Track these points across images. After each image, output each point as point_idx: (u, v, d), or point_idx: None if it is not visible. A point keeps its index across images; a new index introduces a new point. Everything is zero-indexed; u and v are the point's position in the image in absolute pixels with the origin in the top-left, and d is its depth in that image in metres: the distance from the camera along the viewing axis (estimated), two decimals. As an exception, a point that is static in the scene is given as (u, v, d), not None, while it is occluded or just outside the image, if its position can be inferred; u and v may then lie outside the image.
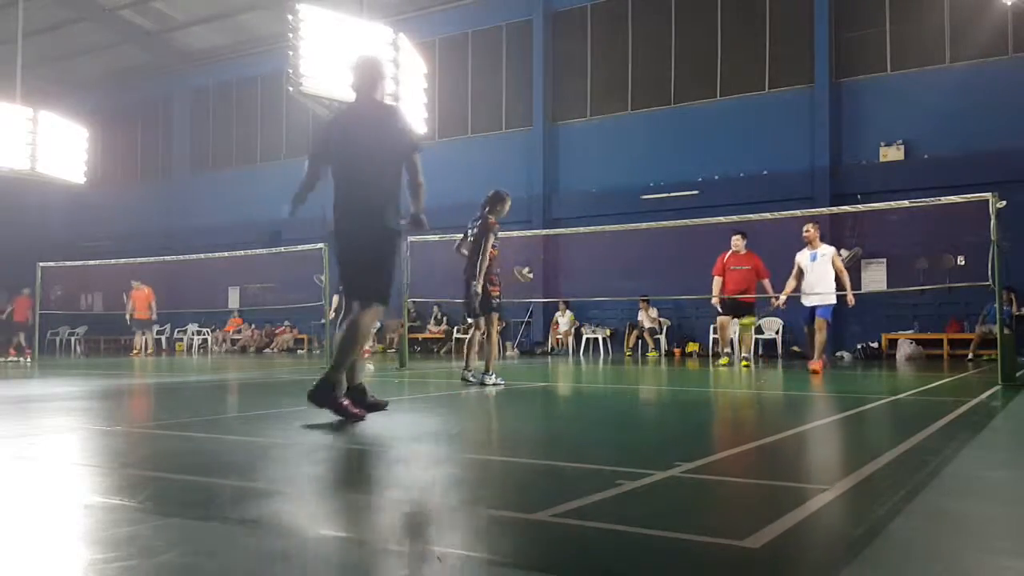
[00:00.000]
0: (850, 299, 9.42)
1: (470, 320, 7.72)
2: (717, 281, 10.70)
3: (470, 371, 7.34)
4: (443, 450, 3.54)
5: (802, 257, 9.54)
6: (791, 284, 9.58)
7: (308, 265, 13.90)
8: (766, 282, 10.55)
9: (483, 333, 7.49)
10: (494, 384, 7.01)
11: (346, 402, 4.34)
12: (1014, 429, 4.55)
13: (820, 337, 9.20)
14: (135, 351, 17.48)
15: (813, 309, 9.37)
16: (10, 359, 15.70)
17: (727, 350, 10.93)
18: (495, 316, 7.40)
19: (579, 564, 1.81)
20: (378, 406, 4.61)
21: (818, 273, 9.33)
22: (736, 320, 10.78)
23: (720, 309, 10.84)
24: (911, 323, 14.40)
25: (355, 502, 2.48)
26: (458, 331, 18.20)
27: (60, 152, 13.26)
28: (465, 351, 7.78)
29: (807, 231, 9.55)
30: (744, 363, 10.77)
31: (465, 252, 7.41)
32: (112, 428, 4.47)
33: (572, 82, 18.48)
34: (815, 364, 9.02)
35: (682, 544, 1.93)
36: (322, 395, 4.29)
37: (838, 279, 9.34)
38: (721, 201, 15.12)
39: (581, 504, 2.30)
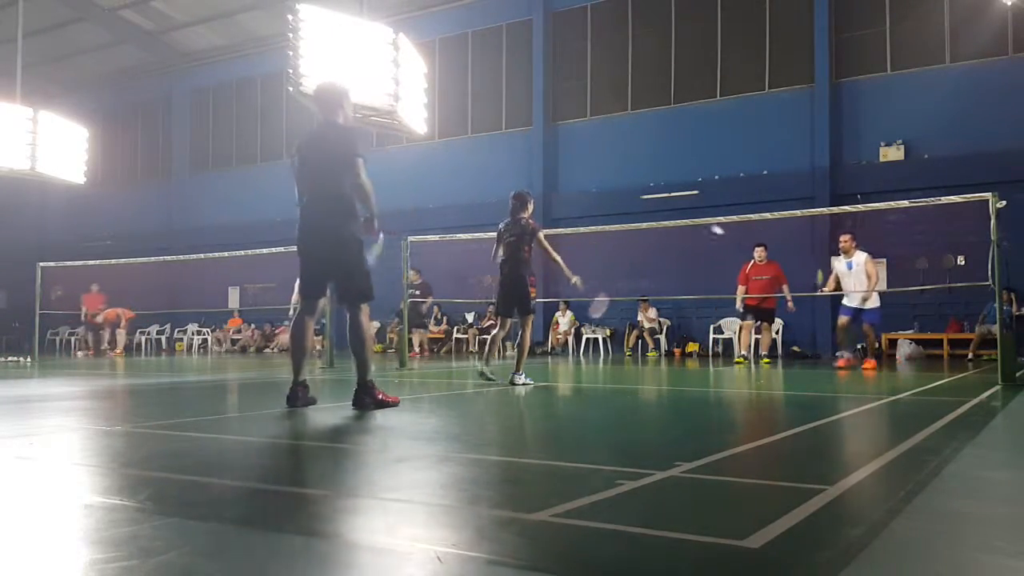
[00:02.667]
0: (867, 297, 10.24)
1: (487, 319, 7.83)
2: (741, 289, 11.69)
3: (489, 367, 7.34)
4: (443, 450, 3.54)
5: (838, 264, 10.42)
6: (831, 287, 10.55)
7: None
8: (785, 288, 11.49)
9: (507, 332, 7.56)
10: (523, 384, 6.98)
11: (380, 394, 4.97)
12: (1014, 429, 4.55)
13: (870, 339, 10.51)
14: (116, 351, 17.46)
15: (856, 311, 10.25)
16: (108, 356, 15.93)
17: (743, 352, 11.95)
18: (531, 318, 7.45)
19: (579, 564, 1.81)
20: (312, 401, 5.14)
21: (857, 279, 10.15)
22: (752, 325, 11.88)
23: (744, 315, 11.90)
24: (911, 323, 14.40)
25: (354, 501, 2.48)
26: (458, 331, 18.21)
27: (60, 152, 13.23)
28: (487, 348, 7.72)
29: (843, 241, 10.35)
30: (766, 361, 11.79)
31: (503, 256, 7.38)
32: (112, 428, 4.47)
33: (572, 82, 18.48)
34: (868, 363, 10.18)
35: (682, 544, 1.93)
36: (364, 399, 4.93)
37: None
38: (721, 201, 15.13)
39: (581, 504, 2.30)
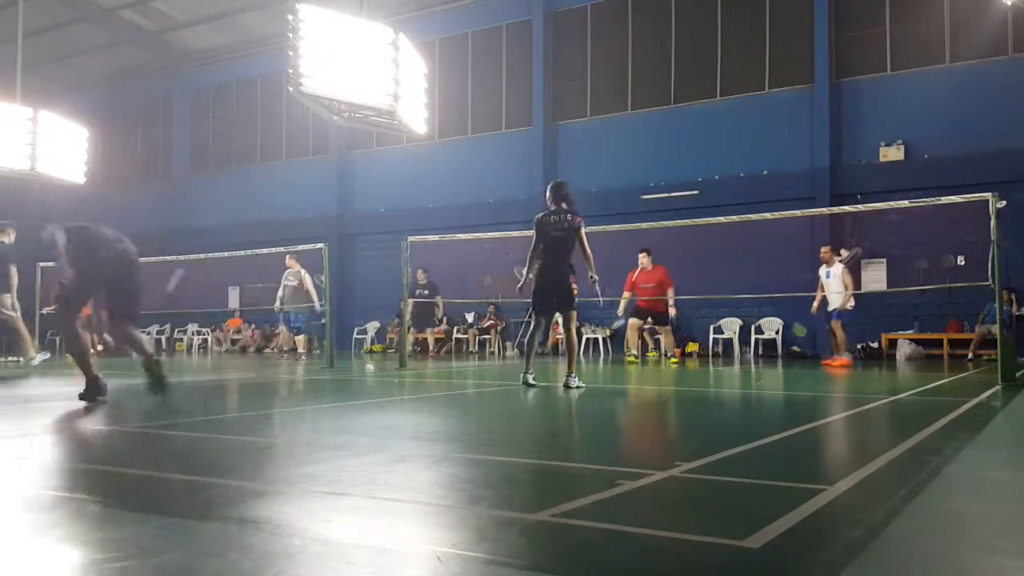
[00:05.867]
0: (845, 302, 11.22)
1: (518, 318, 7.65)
2: (626, 295, 12.26)
3: (531, 373, 6.96)
4: (443, 450, 3.54)
5: (821, 272, 11.51)
6: (819, 295, 11.51)
7: (308, 265, 13.87)
8: (670, 292, 12.11)
9: (537, 330, 7.23)
10: (577, 387, 6.67)
11: None
12: (1014, 429, 4.55)
13: (838, 335, 11.25)
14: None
15: (836, 313, 11.27)
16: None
17: (634, 352, 12.28)
18: (575, 313, 7.25)
19: (579, 564, 1.81)
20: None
21: (832, 286, 11.30)
22: (641, 325, 12.44)
23: (629, 316, 12.39)
24: (911, 323, 14.39)
25: (354, 502, 2.48)
26: (458, 331, 18.20)
27: (60, 152, 13.23)
28: (527, 354, 7.22)
29: (823, 252, 11.56)
30: (673, 360, 12.37)
31: (544, 249, 7.13)
32: (112, 428, 4.47)
33: (572, 82, 18.47)
34: (840, 360, 10.98)
35: (682, 544, 1.93)
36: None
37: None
38: (721, 201, 15.10)
39: (581, 504, 2.30)
